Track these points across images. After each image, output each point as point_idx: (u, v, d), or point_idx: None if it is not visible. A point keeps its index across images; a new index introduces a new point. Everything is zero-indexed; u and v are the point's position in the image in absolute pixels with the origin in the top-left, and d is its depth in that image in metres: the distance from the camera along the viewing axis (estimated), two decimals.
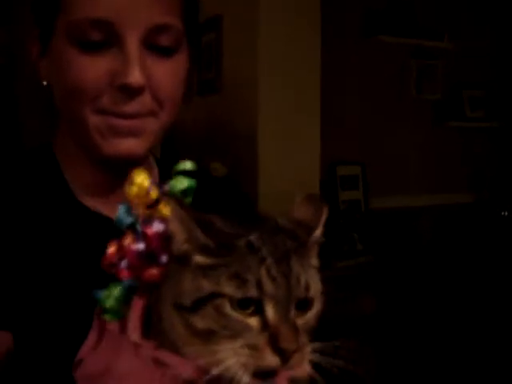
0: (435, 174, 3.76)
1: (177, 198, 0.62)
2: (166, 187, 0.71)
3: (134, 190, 0.68)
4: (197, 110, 3.10)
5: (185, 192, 0.71)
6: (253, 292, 0.54)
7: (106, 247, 0.85)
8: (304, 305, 0.56)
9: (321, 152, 2.87)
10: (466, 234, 3.67)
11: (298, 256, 0.57)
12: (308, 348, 0.57)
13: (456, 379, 3.04)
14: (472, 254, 3.54)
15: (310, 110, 2.83)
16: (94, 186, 0.94)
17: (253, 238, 0.57)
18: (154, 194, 0.68)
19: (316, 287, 0.58)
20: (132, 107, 0.85)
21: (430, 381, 3.06)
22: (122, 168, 0.89)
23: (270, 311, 0.55)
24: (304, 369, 0.57)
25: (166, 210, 0.66)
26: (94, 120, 0.85)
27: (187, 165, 0.73)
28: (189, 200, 0.71)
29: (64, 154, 0.94)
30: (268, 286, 0.54)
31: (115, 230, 0.89)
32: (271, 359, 0.54)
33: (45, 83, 0.91)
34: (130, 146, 0.87)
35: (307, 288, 0.56)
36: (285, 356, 0.54)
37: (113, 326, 0.64)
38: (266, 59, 2.73)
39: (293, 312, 0.55)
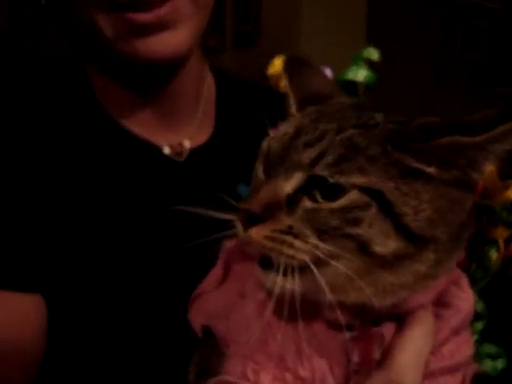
0: None
1: (292, 60, 0.56)
2: (329, 74, 0.59)
3: (270, 70, 0.61)
4: (233, 63, 2.97)
5: (355, 85, 0.59)
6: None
7: (142, 172, 0.75)
8: (329, 191, 0.43)
9: None
10: None
11: (360, 138, 0.43)
12: (296, 240, 0.43)
13: None
14: None
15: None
16: (128, 104, 0.77)
17: (324, 107, 0.49)
18: None
19: (363, 181, 0.43)
20: None
21: None
22: (159, 78, 0.74)
23: (258, 168, 0.48)
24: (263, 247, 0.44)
25: None
26: (107, 20, 0.68)
27: (373, 54, 0.59)
28: (361, 97, 0.58)
29: (93, 68, 0.79)
30: (269, 140, 0.47)
31: (149, 154, 0.75)
32: (237, 224, 0.46)
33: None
34: (162, 42, 0.69)
35: (334, 169, 0.43)
36: (244, 220, 0.44)
37: (239, 266, 0.54)
38: (309, 9, 2.58)
39: (284, 179, 0.44)
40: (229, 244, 0.54)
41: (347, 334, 0.47)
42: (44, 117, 0.74)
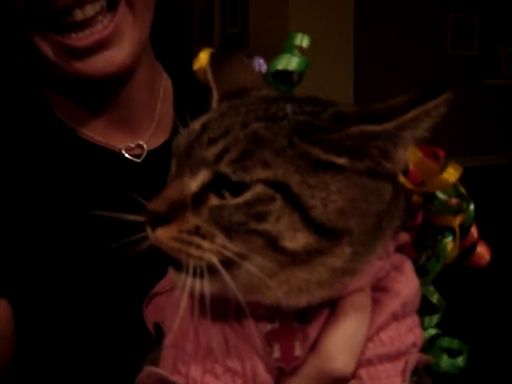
0: (469, 135, 3.59)
1: (217, 54, 0.55)
2: (263, 65, 0.57)
3: (196, 64, 0.58)
4: None
5: (289, 73, 0.57)
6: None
7: (102, 174, 0.74)
8: (235, 187, 0.42)
9: None
10: (502, 197, 3.53)
11: (266, 131, 0.42)
12: (202, 239, 0.42)
13: None
14: (507, 216, 3.41)
15: (343, 68, 2.70)
16: (83, 113, 0.76)
17: (237, 100, 0.48)
18: None
19: (268, 174, 0.41)
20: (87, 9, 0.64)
21: None
22: (109, 87, 0.73)
23: (172, 165, 0.46)
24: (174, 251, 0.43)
25: None
26: (47, 44, 0.66)
27: (304, 40, 0.57)
28: (288, 87, 0.56)
29: (45, 78, 0.77)
30: (178, 138, 0.46)
31: (108, 157, 0.75)
32: (146, 225, 0.44)
33: None
34: (105, 60, 0.67)
35: (238, 166, 0.41)
36: (150, 220, 0.43)
37: None
38: (297, 11, 2.57)
39: (190, 177, 0.43)
40: None
41: (266, 327, 0.46)
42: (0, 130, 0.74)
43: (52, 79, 0.75)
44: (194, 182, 0.43)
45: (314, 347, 0.47)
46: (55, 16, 0.66)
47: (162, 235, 0.42)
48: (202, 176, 0.42)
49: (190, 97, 0.84)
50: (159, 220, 0.42)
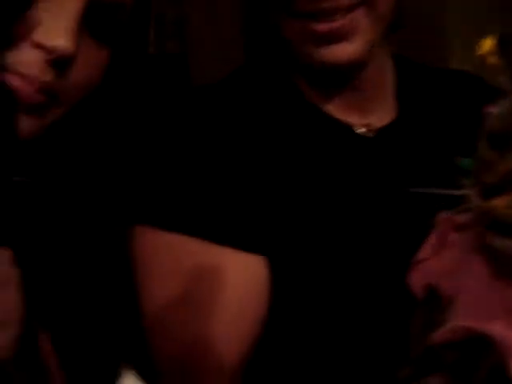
0: None
1: (506, 37, 0.54)
2: None
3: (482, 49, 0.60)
4: None
5: None
6: None
7: (338, 148, 0.80)
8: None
9: None
10: None
11: None
12: None
13: None
14: None
15: None
16: (324, 93, 0.81)
17: None
18: None
19: None
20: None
21: None
22: (342, 76, 0.80)
23: (485, 144, 0.49)
24: None
25: None
26: (292, 28, 0.73)
27: None
28: None
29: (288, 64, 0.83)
30: (491, 120, 0.48)
31: (344, 131, 0.82)
32: (473, 197, 0.47)
33: None
34: (335, 53, 0.73)
35: None
36: (482, 193, 0.47)
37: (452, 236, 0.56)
38: None
39: None
40: (442, 217, 0.57)
41: None
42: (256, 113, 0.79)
43: (293, 66, 0.81)
44: None
45: None
46: (305, 3, 0.72)
47: (499, 204, 0.46)
48: None
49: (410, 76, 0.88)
50: (492, 191, 0.47)
